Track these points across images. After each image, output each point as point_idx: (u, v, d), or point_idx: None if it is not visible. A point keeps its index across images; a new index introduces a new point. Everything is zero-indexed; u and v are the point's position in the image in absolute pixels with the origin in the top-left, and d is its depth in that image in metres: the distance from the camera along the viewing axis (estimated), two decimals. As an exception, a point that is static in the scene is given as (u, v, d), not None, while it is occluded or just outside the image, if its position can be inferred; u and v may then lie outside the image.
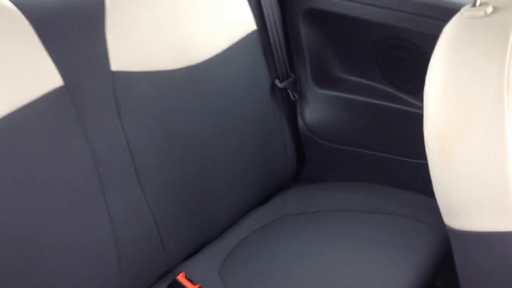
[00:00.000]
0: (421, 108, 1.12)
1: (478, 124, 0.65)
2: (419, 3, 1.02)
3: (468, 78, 0.65)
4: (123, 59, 0.85)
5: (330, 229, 1.04)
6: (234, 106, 1.05)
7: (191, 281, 0.89)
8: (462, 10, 0.71)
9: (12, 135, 0.71)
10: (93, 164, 0.79)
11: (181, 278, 0.89)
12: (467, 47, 0.67)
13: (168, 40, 0.93)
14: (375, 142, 1.19)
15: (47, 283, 0.75)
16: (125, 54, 0.86)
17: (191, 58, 0.97)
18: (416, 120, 1.12)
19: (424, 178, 1.17)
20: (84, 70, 0.80)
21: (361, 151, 1.21)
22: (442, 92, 0.67)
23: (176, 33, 0.95)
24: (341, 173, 1.25)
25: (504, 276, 0.71)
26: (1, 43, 0.72)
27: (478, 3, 0.69)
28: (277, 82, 1.14)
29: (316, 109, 1.22)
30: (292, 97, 1.17)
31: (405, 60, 1.11)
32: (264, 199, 1.15)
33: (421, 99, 1.12)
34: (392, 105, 1.14)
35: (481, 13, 0.68)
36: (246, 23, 1.08)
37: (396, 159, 1.17)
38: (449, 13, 0.98)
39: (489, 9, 0.67)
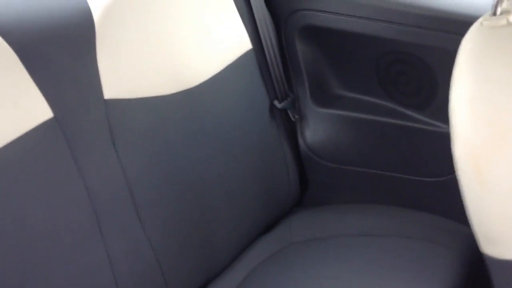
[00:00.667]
0: (427, 123, 1.09)
1: None
2: (421, 15, 0.98)
3: (498, 92, 0.60)
4: (116, 86, 0.79)
5: (341, 256, 0.97)
6: (233, 131, 0.99)
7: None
8: (481, 19, 0.67)
9: (0, 173, 0.64)
10: (89, 203, 0.72)
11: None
12: (493, 58, 0.63)
13: (162, 63, 0.87)
14: (380, 161, 1.14)
15: None
16: (118, 80, 0.79)
17: (186, 82, 0.91)
18: (422, 136, 1.08)
19: (435, 197, 1.13)
20: (75, 99, 0.74)
21: (366, 171, 1.15)
22: (470, 108, 0.62)
23: (170, 56, 0.89)
24: (346, 195, 1.19)
25: None
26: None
27: (498, 11, 0.65)
28: (276, 102, 1.08)
29: (316, 129, 1.16)
30: (292, 118, 1.12)
31: (408, 75, 1.07)
32: (267, 227, 1.09)
33: (426, 114, 1.09)
34: (396, 121, 1.09)
35: (503, 22, 0.64)
36: (242, 43, 1.03)
37: (404, 178, 1.12)
38: (452, 24, 0.95)
39: None
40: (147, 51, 0.85)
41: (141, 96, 0.82)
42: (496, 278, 0.68)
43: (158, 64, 0.87)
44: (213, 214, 0.94)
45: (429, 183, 1.10)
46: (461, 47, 0.67)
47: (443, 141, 1.06)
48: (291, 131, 1.16)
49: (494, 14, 0.65)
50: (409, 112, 1.09)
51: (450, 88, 0.65)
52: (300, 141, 1.18)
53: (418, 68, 1.05)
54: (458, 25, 0.94)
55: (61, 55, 0.73)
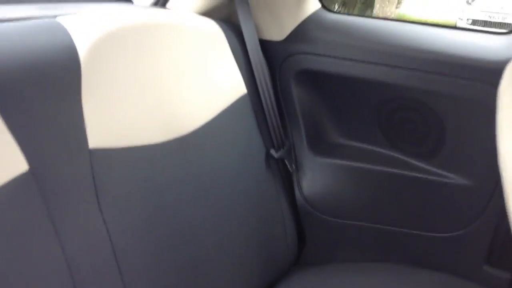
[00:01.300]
0: (435, 174, 1.02)
1: None
2: (428, 60, 0.92)
3: None
4: (103, 134, 0.69)
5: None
6: (228, 182, 0.89)
7: None
8: None
9: None
10: (68, 273, 0.60)
11: None
12: None
13: (154, 108, 0.78)
14: (384, 215, 1.05)
15: None
16: (105, 127, 0.69)
17: (180, 128, 0.81)
18: (430, 188, 1.01)
19: (445, 254, 1.05)
20: (55, 149, 0.63)
21: (369, 226, 1.07)
22: None
23: (162, 100, 0.80)
24: (348, 252, 1.10)
25: None
26: None
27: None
28: (272, 151, 0.99)
29: (314, 179, 1.08)
30: (289, 168, 1.03)
31: (413, 122, 1.01)
32: (263, 289, 0.98)
33: (434, 163, 1.02)
34: (401, 172, 1.02)
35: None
36: (236, 87, 0.95)
37: (410, 234, 1.04)
38: (462, 69, 0.90)
39: None
40: (138, 94, 0.75)
41: (131, 145, 0.72)
42: None
43: (150, 109, 0.77)
44: (206, 276, 0.82)
45: (438, 239, 1.02)
46: (500, 93, 0.60)
47: (453, 193, 1.00)
48: (287, 182, 1.07)
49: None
50: (415, 162, 1.02)
51: (497, 138, 0.58)
52: (297, 193, 1.09)
53: (424, 115, 0.99)
54: (468, 69, 0.89)
55: (41, 97, 0.62)
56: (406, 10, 7.88)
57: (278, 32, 1.02)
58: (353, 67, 0.98)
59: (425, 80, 0.93)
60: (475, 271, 1.02)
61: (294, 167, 1.05)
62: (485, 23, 6.69)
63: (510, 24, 6.76)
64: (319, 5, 1.06)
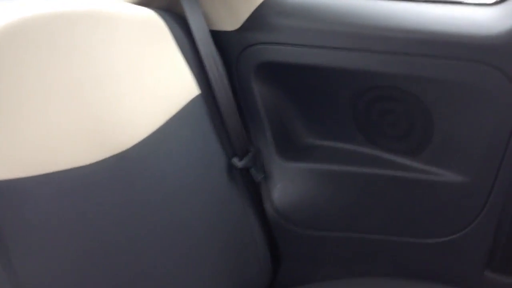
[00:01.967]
0: (423, 171, 0.89)
1: None
2: (407, 40, 0.79)
3: None
4: (8, 159, 0.52)
5: None
6: (184, 201, 0.75)
7: None
8: None
9: None
10: None
11: None
12: None
13: (79, 121, 0.62)
14: (368, 222, 0.92)
15: None
16: (13, 152, 0.53)
17: (116, 143, 0.66)
18: (418, 188, 0.88)
19: (439, 261, 0.93)
20: None
21: (351, 236, 0.94)
22: None
23: (91, 110, 0.64)
24: (330, 268, 0.97)
25: None
26: None
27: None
28: (235, 160, 0.85)
29: (286, 188, 0.94)
30: (256, 178, 0.89)
31: (395, 114, 0.88)
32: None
33: (421, 160, 0.89)
34: (383, 171, 0.89)
35: None
36: (186, 88, 0.79)
37: (399, 241, 0.91)
38: (448, 47, 0.77)
39: None
40: (59, 103, 0.59)
41: (49, 170, 0.56)
42: None
43: (75, 121, 0.61)
44: None
45: (433, 246, 0.90)
46: None
47: (445, 192, 0.88)
48: (255, 194, 0.93)
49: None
50: (400, 159, 0.90)
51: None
52: (268, 205, 0.95)
53: (407, 104, 0.86)
54: (456, 48, 0.76)
55: None
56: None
57: (231, 20, 0.87)
58: (322, 55, 0.84)
59: (406, 64, 0.80)
60: (476, 278, 0.91)
61: (261, 176, 0.91)
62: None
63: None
64: (277, -14, 0.92)
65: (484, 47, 0.74)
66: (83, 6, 0.65)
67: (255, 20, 0.87)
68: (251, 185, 0.91)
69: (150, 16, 0.75)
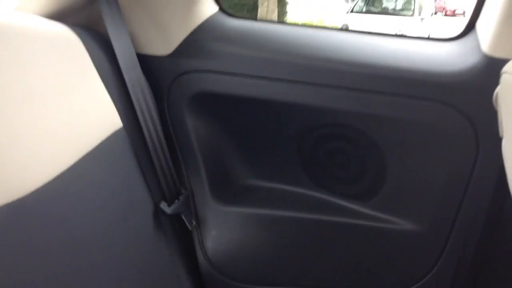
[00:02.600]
0: (375, 218, 0.81)
1: None
2: (361, 75, 0.71)
3: None
4: None
5: None
6: (101, 252, 0.62)
7: None
8: (506, 69, 0.48)
9: None
10: None
11: None
12: None
13: None
14: (315, 276, 0.83)
15: None
16: None
17: (15, 187, 0.52)
18: (369, 237, 0.80)
19: None
20: None
21: None
22: None
23: None
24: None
25: None
26: None
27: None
28: (163, 205, 0.73)
29: (221, 236, 0.82)
30: (188, 225, 0.77)
31: (345, 155, 0.79)
32: None
33: (372, 206, 0.80)
34: (331, 218, 0.80)
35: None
36: (106, 119, 0.67)
37: None
38: (404, 84, 0.70)
39: None
40: None
41: None
42: None
43: None
44: None
45: None
46: (500, 107, 0.41)
47: (398, 242, 0.80)
48: (186, 242, 0.80)
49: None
50: (349, 205, 0.81)
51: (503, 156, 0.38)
52: (200, 255, 0.83)
53: (359, 145, 0.78)
54: (413, 86, 0.69)
55: None
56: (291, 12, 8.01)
57: (162, 44, 0.76)
58: (265, 87, 0.75)
59: (358, 101, 0.72)
60: None
61: (194, 222, 0.79)
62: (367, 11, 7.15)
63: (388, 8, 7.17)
64: (216, 8, 0.82)
65: (443, 85, 0.68)
66: None
67: (190, 44, 0.76)
68: (182, 233, 0.79)
69: (63, 33, 0.62)
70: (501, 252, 0.77)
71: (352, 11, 7.37)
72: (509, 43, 0.65)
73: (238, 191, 0.84)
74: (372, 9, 7.47)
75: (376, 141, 0.76)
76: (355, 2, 7.51)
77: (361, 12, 7.37)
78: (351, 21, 6.92)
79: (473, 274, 0.81)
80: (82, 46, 0.64)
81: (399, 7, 7.40)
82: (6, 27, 0.54)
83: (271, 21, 0.85)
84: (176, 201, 0.76)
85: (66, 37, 0.62)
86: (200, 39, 0.76)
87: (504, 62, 0.63)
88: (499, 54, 0.66)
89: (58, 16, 0.68)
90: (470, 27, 0.75)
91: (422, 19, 7.04)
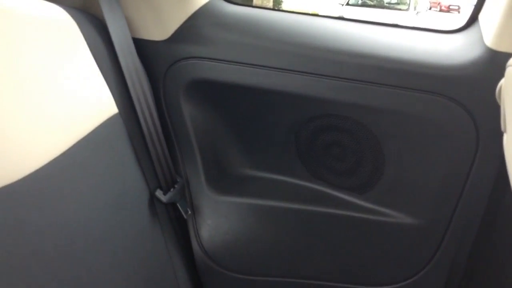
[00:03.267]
0: (371, 211, 0.81)
1: None
2: (361, 67, 0.70)
3: None
4: None
5: None
6: (95, 241, 0.61)
7: None
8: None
9: None
10: None
11: None
12: None
13: None
14: (310, 267, 0.82)
15: None
16: None
17: (6, 172, 0.51)
18: (365, 230, 0.79)
19: None
20: None
21: (290, 282, 0.83)
22: None
23: None
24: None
25: None
26: None
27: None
28: (159, 193, 0.72)
29: (216, 226, 0.81)
30: (184, 214, 0.76)
31: (342, 146, 0.78)
32: None
33: (370, 199, 0.79)
34: (327, 210, 0.79)
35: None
36: (102, 105, 0.65)
37: None
38: (406, 76, 0.69)
39: None
40: None
41: None
42: None
43: None
44: None
45: None
46: (504, 103, 0.39)
47: (396, 235, 0.79)
48: (181, 231, 0.79)
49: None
50: (346, 197, 0.80)
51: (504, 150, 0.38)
52: (195, 244, 0.82)
53: (357, 137, 0.77)
54: (415, 78, 0.68)
55: None
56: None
57: (159, 28, 0.74)
58: (263, 76, 0.73)
59: (358, 92, 0.71)
60: None
61: (189, 211, 0.78)
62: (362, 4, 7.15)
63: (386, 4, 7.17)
64: (214, -7, 0.80)
65: (444, 78, 0.67)
66: None
67: (187, 30, 0.75)
68: (177, 222, 0.78)
69: (57, 14, 0.61)
70: (498, 248, 0.77)
71: (348, 4, 7.35)
72: None
73: (234, 180, 0.83)
74: (368, 2, 7.46)
75: (374, 133, 0.75)
76: (351, -6, 7.50)
77: (356, 5, 7.36)
78: (346, 14, 6.91)
79: (469, 269, 0.81)
80: (77, 28, 0.62)
81: (394, 1, 7.39)
82: None
83: (271, 8, 0.84)
84: (171, 189, 0.75)
85: (61, 19, 0.60)
86: (197, 25, 0.74)
87: (506, 56, 0.62)
88: (501, 47, 0.65)
89: None
90: (473, 19, 0.74)
91: (417, 13, 7.04)
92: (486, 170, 0.71)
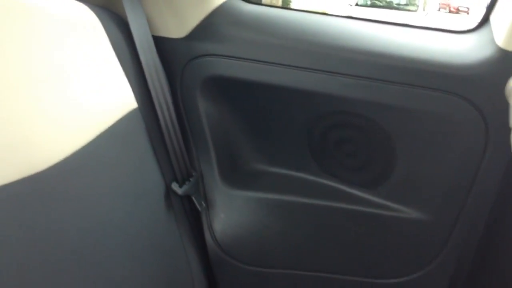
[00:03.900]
0: (382, 206, 0.83)
1: None
2: (374, 65, 0.72)
3: None
4: None
5: None
6: (112, 231, 0.63)
7: None
8: None
9: None
10: None
11: None
12: None
13: None
14: (320, 260, 0.84)
15: None
16: None
17: (30, 163, 0.53)
18: (376, 224, 0.81)
19: None
20: None
21: (301, 274, 0.85)
22: None
23: (2, 122, 0.51)
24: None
25: None
26: None
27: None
28: (175, 186, 0.74)
29: (229, 219, 0.83)
30: (198, 206, 0.78)
31: (354, 143, 0.80)
32: None
33: (381, 194, 0.81)
34: (339, 205, 0.81)
35: None
36: (122, 99, 0.67)
37: (356, 282, 0.84)
38: (418, 74, 0.71)
39: None
40: None
41: None
42: None
43: None
44: None
45: (391, 286, 0.82)
46: None
47: (405, 230, 0.81)
48: (195, 224, 0.82)
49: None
50: (357, 193, 0.82)
51: None
52: (208, 237, 0.84)
53: (369, 133, 0.79)
54: (427, 77, 0.70)
55: None
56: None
57: (178, 26, 0.76)
58: (278, 74, 0.75)
59: (370, 90, 0.73)
60: None
61: (203, 204, 0.80)
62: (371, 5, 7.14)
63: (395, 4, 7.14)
64: (231, -8, 0.82)
65: (455, 77, 0.69)
66: None
67: (205, 28, 0.77)
68: (192, 214, 0.80)
69: (82, 12, 0.63)
70: (504, 246, 0.78)
71: (357, 4, 7.35)
72: None
73: (247, 175, 0.85)
74: (377, 3, 7.46)
75: (386, 130, 0.77)
76: (360, -5, 7.50)
77: (365, 5, 7.36)
78: (355, 14, 6.90)
79: (475, 266, 0.82)
80: (101, 26, 0.65)
81: (404, 1, 7.38)
82: (27, 7, 0.54)
83: (287, 8, 0.86)
84: (187, 182, 0.77)
85: (85, 17, 0.63)
86: (215, 23, 0.77)
87: None
88: None
89: None
90: (485, 20, 0.76)
91: (426, 14, 7.03)
92: (495, 168, 0.72)
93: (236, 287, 0.88)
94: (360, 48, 0.72)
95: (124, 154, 0.67)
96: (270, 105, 0.81)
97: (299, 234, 0.83)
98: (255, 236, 0.84)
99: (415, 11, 7.07)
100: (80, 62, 0.60)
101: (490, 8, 0.74)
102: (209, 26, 0.77)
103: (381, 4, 7.46)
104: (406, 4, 7.32)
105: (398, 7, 7.33)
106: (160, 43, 0.75)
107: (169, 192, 0.74)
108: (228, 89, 0.79)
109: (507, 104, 0.58)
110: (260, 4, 0.82)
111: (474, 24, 0.76)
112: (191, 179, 0.78)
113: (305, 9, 0.83)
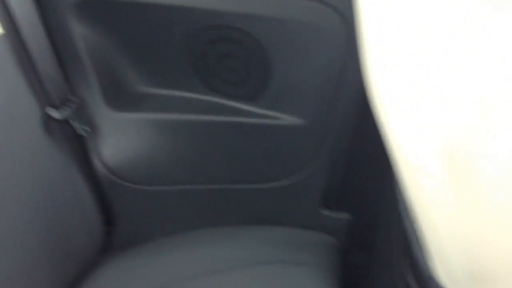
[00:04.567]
0: (263, 116, 0.86)
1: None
2: None
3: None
4: None
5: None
6: None
7: None
8: None
9: None
10: None
11: None
12: None
13: None
14: (210, 173, 0.88)
15: None
16: None
17: None
18: (257, 133, 0.86)
19: (282, 204, 0.93)
20: None
21: (193, 188, 0.89)
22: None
23: None
24: (170, 224, 0.90)
25: None
26: None
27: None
28: (50, 110, 0.73)
29: (118, 142, 0.84)
30: (78, 130, 0.78)
31: (233, 57, 0.82)
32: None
33: (261, 104, 0.84)
34: (223, 118, 0.84)
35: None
36: None
37: (239, 189, 0.89)
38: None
39: None
40: None
41: None
42: None
43: None
44: None
45: (275, 190, 0.88)
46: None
47: (283, 136, 0.85)
48: (80, 149, 0.82)
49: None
50: (240, 105, 0.85)
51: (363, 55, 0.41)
52: (96, 162, 0.85)
53: (246, 47, 0.81)
54: None
55: None
56: None
57: None
58: None
59: (242, 2, 0.74)
60: (314, 217, 0.93)
61: (87, 129, 0.80)
62: None
63: None
64: None
65: None
66: None
67: None
68: (75, 140, 0.80)
69: None
70: (370, 149, 0.85)
71: None
72: None
73: (133, 98, 0.85)
74: None
75: (261, 43, 0.79)
76: None
77: None
78: None
79: (350, 167, 0.90)
80: None
81: None
82: None
83: None
84: (65, 107, 0.76)
85: None
86: None
87: None
88: None
89: None
90: None
91: None
92: (358, 71, 0.77)
93: (131, 208, 0.90)
94: None
95: None
96: (148, 24, 0.80)
97: (187, 150, 0.86)
98: (146, 157, 0.86)
99: None
100: None
101: None
102: None
103: None
104: None
105: None
106: None
107: (46, 117, 0.73)
108: (103, 12, 0.78)
109: None
110: None
111: None
112: (71, 105, 0.77)
113: None
